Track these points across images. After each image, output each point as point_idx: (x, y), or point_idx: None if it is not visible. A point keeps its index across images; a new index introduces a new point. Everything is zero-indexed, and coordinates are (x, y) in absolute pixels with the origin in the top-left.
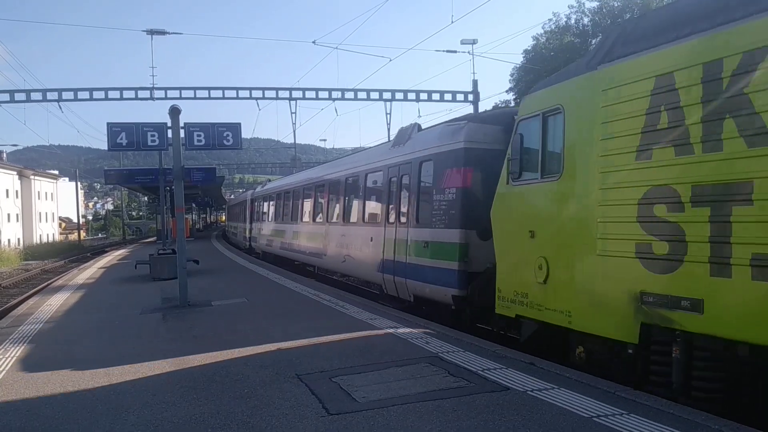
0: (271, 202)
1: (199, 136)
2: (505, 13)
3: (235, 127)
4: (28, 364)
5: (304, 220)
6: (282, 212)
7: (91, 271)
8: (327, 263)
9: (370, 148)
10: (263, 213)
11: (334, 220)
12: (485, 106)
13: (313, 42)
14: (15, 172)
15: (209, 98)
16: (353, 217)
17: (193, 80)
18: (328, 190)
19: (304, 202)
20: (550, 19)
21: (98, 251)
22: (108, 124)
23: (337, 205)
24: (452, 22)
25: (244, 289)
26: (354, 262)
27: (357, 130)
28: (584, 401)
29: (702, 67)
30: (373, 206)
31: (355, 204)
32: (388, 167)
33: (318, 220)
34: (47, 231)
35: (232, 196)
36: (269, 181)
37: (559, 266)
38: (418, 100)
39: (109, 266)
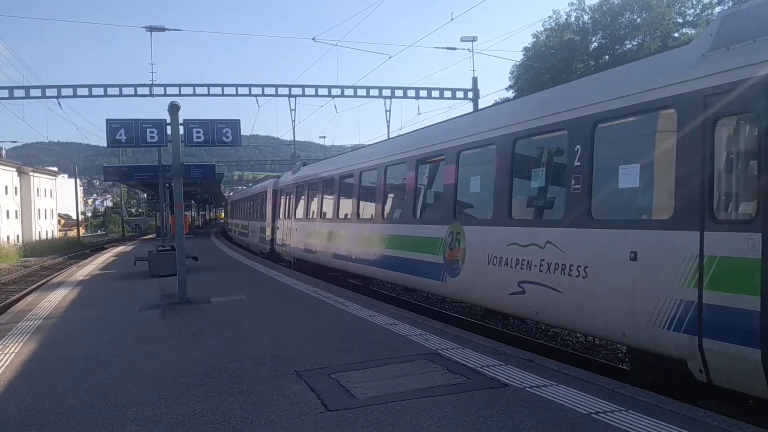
0: (318, 193)
1: (198, 132)
2: (506, 10)
3: (235, 124)
4: (27, 359)
5: (395, 217)
6: (337, 206)
7: (90, 267)
8: (463, 289)
9: (592, 76)
10: (300, 207)
11: (481, 216)
12: (485, 103)
13: (313, 39)
14: (14, 169)
15: (208, 95)
16: (557, 212)
17: (192, 77)
18: (458, 168)
19: (390, 190)
20: (550, 17)
21: (97, 248)
22: (107, 120)
23: (491, 190)
24: (452, 19)
25: (243, 285)
26: (563, 300)
27: (356, 128)
28: (583, 398)
29: None
30: (633, 187)
31: (557, 185)
32: (704, 95)
33: (432, 217)
34: (46, 228)
35: (231, 193)
36: (303, 164)
37: None
38: (417, 97)
39: (108, 263)
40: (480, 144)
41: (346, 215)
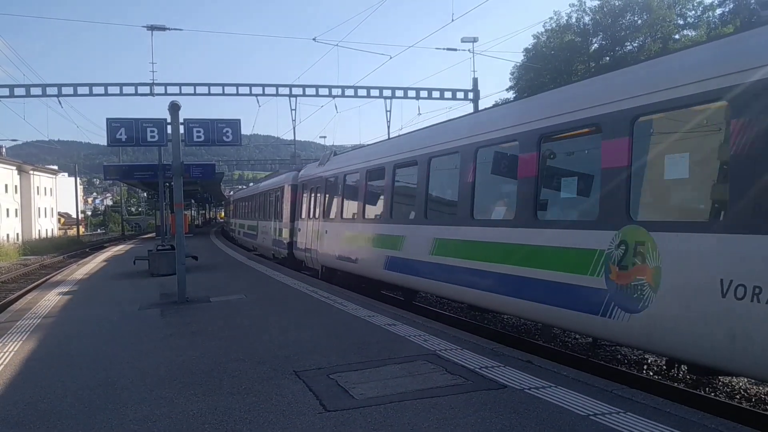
0: (360, 188)
1: (198, 132)
2: (506, 11)
3: (235, 124)
4: (26, 358)
5: (494, 218)
6: (391, 204)
7: (89, 266)
8: (658, 334)
9: None
10: (333, 205)
11: (696, 217)
12: (485, 104)
13: (314, 39)
14: (14, 167)
15: (209, 94)
16: None
17: (193, 76)
18: (632, 141)
19: (482, 181)
20: (551, 18)
21: (97, 247)
22: (107, 119)
23: (725, 173)
24: (452, 20)
25: (242, 285)
26: None
27: (357, 128)
28: (581, 399)
29: None
30: None
31: None
32: None
33: (576, 217)
34: (46, 226)
35: (231, 192)
36: (335, 154)
37: None
38: (418, 98)
39: (108, 262)
40: (681, 102)
41: (407, 216)
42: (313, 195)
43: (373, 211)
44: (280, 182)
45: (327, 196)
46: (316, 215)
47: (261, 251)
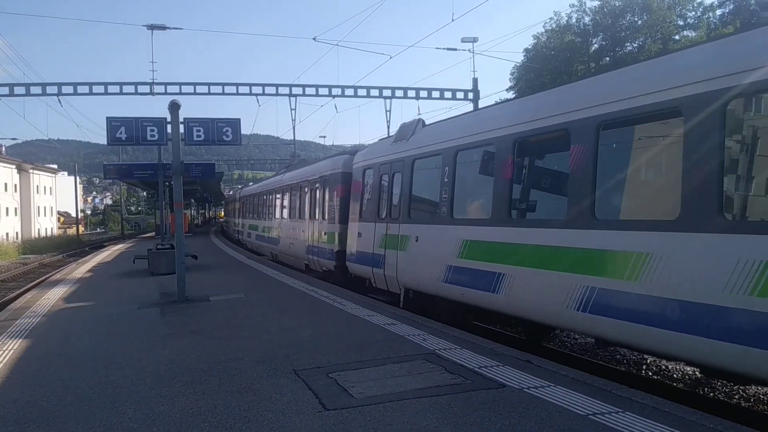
0: (505, 169)
1: (198, 131)
2: (506, 11)
3: (235, 123)
4: (25, 356)
5: None
6: (586, 196)
7: (89, 265)
8: None
9: None
10: (443, 199)
11: None
12: (485, 104)
13: (314, 39)
14: (14, 166)
15: (209, 93)
16: None
17: (193, 76)
18: None
19: None
20: (551, 18)
21: (97, 246)
22: (107, 118)
23: None
24: (453, 20)
25: (242, 284)
26: None
27: (357, 127)
28: (580, 399)
29: None
30: None
31: None
32: None
33: None
34: (46, 225)
35: (231, 192)
36: (423, 125)
37: None
38: (418, 97)
39: (108, 261)
40: None
41: (649, 214)
42: (385, 185)
43: (541, 207)
44: (323, 170)
45: (417, 185)
46: (395, 214)
47: (284, 259)
